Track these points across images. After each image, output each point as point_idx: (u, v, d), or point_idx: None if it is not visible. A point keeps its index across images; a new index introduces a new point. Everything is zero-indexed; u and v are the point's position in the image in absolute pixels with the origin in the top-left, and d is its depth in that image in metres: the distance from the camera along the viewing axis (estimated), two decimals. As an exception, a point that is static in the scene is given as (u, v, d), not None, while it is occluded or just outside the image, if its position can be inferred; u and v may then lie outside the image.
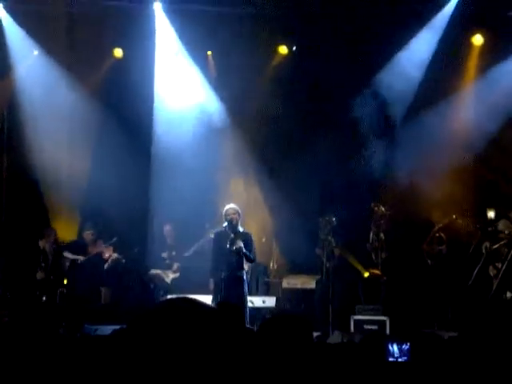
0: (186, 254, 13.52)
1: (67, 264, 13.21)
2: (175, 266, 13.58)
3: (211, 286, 11.79)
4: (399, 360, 4.56)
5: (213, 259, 11.49)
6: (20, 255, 13.34)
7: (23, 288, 12.96)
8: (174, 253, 13.65)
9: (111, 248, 13.33)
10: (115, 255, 13.34)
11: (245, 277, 11.28)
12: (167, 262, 13.63)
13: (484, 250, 12.10)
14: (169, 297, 11.19)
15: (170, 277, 13.54)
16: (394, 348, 4.55)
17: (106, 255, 13.30)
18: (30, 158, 13.69)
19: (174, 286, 13.32)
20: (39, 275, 12.97)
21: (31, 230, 13.51)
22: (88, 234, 13.44)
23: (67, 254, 13.24)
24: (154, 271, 13.59)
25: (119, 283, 13.61)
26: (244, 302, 11.07)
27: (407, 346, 4.53)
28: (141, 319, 2.00)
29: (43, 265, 12.99)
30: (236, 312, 4.29)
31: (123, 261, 13.39)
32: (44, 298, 12.80)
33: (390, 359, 4.55)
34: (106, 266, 13.33)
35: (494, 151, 13.23)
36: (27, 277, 13.09)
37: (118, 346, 1.98)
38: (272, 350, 3.51)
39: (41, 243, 13.26)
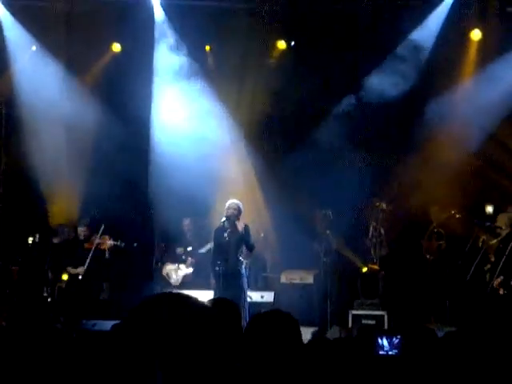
0: (201, 251, 13.42)
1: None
2: (189, 260, 13.51)
3: (212, 281, 11.85)
4: (389, 354, 4.56)
5: (212, 255, 11.59)
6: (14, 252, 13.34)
7: (26, 284, 12.99)
8: (189, 248, 13.57)
9: (106, 237, 13.14)
10: (110, 242, 13.10)
11: (243, 271, 11.30)
12: (183, 257, 13.57)
13: (482, 245, 12.10)
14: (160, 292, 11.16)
15: (182, 271, 13.46)
16: (384, 342, 4.54)
17: (103, 246, 13.12)
18: (28, 155, 13.66)
19: (185, 281, 13.29)
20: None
21: (28, 227, 13.50)
22: (81, 231, 13.29)
23: (70, 270, 13.10)
24: (168, 266, 13.53)
25: (123, 271, 13.54)
26: (242, 296, 11.08)
27: (397, 340, 4.52)
28: (131, 315, 1.99)
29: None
30: (231, 309, 4.26)
31: (122, 245, 13.12)
32: (45, 294, 12.80)
33: (381, 353, 4.55)
34: (106, 255, 13.12)
35: (492, 146, 13.22)
36: (30, 273, 13.11)
37: (113, 342, 1.98)
38: (259, 347, 3.50)
39: (55, 240, 13.35)
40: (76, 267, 12.93)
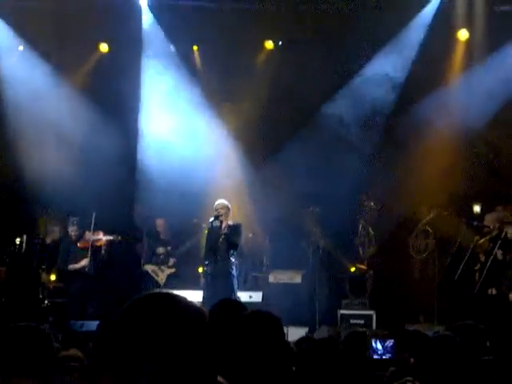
0: (181, 250, 13.45)
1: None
2: (171, 261, 13.47)
3: (202, 280, 11.86)
4: (383, 357, 4.57)
5: (203, 255, 11.64)
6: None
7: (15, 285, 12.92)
8: (169, 248, 13.56)
9: (100, 232, 12.90)
10: (106, 238, 12.89)
11: (233, 272, 11.30)
12: (161, 257, 13.54)
13: (470, 244, 12.13)
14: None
15: (165, 272, 13.45)
16: (378, 345, 4.55)
17: (99, 243, 12.99)
18: (16, 156, 13.58)
19: (169, 282, 13.27)
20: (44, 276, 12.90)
21: (15, 227, 13.45)
22: (72, 231, 13.13)
23: (70, 266, 12.97)
24: (148, 267, 13.50)
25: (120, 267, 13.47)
26: (232, 297, 11.08)
27: (391, 343, 4.53)
28: (122, 316, 1.98)
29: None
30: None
31: (119, 238, 12.95)
32: (41, 296, 12.68)
33: (375, 356, 4.56)
34: (102, 252, 12.89)
35: (481, 146, 13.26)
36: (19, 274, 13.05)
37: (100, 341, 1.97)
38: (242, 350, 3.47)
39: (47, 240, 13.27)
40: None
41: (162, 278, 13.42)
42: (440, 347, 4.22)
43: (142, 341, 1.89)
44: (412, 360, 4.21)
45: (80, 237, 12.89)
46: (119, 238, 12.96)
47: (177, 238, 13.67)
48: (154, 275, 13.41)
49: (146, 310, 1.93)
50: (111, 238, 12.91)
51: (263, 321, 3.52)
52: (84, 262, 12.72)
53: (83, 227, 12.91)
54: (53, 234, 13.43)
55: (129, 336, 1.91)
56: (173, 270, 13.44)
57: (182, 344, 1.90)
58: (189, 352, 1.90)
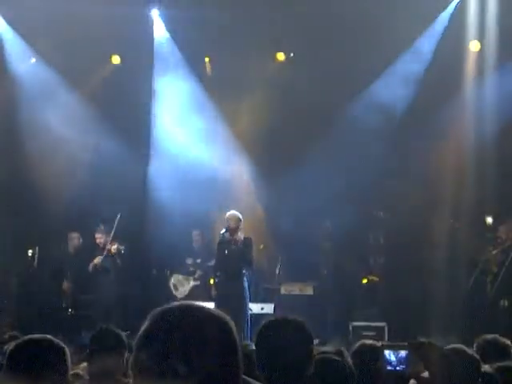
0: (210, 264, 13.39)
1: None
2: (197, 273, 13.48)
3: (213, 292, 11.86)
4: (397, 369, 4.55)
5: (214, 266, 11.62)
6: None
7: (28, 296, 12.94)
8: (198, 260, 13.52)
9: (106, 236, 12.86)
10: (116, 247, 12.79)
11: (245, 284, 11.28)
12: (191, 269, 13.55)
13: (482, 256, 12.09)
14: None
15: (190, 284, 13.45)
16: (391, 356, 4.53)
17: (112, 249, 12.78)
18: (27, 165, 13.62)
19: (192, 293, 13.26)
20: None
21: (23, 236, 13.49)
22: (99, 237, 13.05)
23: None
24: (176, 277, 13.49)
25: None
26: (243, 309, 11.06)
27: (405, 354, 4.51)
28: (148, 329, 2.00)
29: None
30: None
31: (122, 249, 12.84)
32: (64, 305, 12.68)
33: (388, 368, 4.54)
34: (118, 261, 12.83)
35: (492, 156, 13.19)
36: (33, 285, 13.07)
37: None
38: (272, 354, 3.48)
39: (71, 249, 13.28)
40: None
41: (186, 289, 13.41)
42: (453, 360, 4.20)
43: (173, 352, 1.92)
44: (426, 374, 4.20)
45: (104, 246, 12.84)
46: (122, 249, 12.90)
47: (209, 250, 13.56)
48: (172, 288, 13.41)
49: (174, 322, 1.96)
50: (121, 247, 12.84)
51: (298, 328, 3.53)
52: (97, 260, 12.77)
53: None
54: (72, 241, 13.39)
55: (159, 348, 1.93)
56: (198, 283, 13.44)
57: (212, 354, 1.94)
58: (219, 362, 1.94)
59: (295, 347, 3.49)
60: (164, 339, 1.93)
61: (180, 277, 13.49)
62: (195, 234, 13.78)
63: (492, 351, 5.26)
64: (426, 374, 4.20)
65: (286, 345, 3.50)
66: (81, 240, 13.40)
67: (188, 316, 1.97)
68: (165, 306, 2.02)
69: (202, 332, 1.94)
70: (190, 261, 13.57)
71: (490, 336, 5.65)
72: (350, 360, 4.33)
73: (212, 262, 12.94)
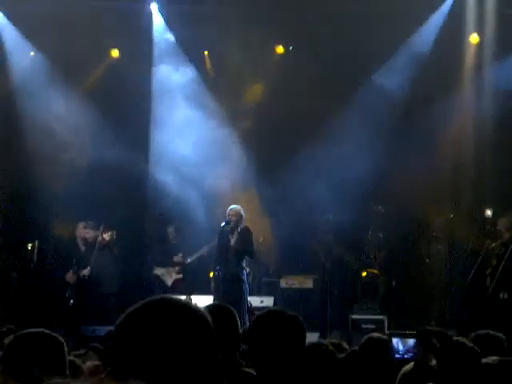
0: (189, 261, 13.38)
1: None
2: (179, 267, 13.48)
3: (212, 285, 11.85)
4: (405, 357, 4.55)
5: (214, 259, 11.62)
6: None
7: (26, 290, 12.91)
8: (180, 254, 13.48)
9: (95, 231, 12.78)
10: (109, 233, 12.76)
11: (244, 277, 11.28)
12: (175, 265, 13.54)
13: (482, 249, 12.09)
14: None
15: (172, 277, 13.42)
16: (399, 345, 4.53)
17: (105, 236, 12.76)
18: (26, 161, 13.58)
19: (176, 286, 13.24)
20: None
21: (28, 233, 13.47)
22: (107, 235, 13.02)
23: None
24: (158, 270, 13.48)
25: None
26: (242, 302, 11.06)
27: (413, 342, 4.51)
28: (122, 321, 1.98)
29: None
30: (227, 315, 4.19)
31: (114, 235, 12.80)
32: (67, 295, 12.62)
33: (396, 356, 4.54)
34: (114, 250, 12.88)
35: (492, 150, 13.20)
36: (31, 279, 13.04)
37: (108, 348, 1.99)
38: (263, 348, 3.47)
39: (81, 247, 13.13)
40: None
41: (168, 282, 13.40)
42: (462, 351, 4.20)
43: (144, 347, 1.90)
44: (435, 362, 4.20)
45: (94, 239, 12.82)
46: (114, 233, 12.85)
47: (187, 245, 13.57)
48: (163, 278, 13.41)
49: (146, 316, 1.95)
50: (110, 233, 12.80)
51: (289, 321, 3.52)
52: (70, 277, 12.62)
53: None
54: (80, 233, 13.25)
55: (130, 343, 1.92)
56: (180, 276, 13.41)
57: (186, 349, 1.92)
58: (193, 356, 1.92)
59: (287, 341, 3.48)
60: (136, 335, 1.92)
61: (162, 269, 13.45)
62: (170, 230, 13.71)
63: (486, 346, 5.25)
64: (434, 363, 4.20)
65: (277, 339, 3.49)
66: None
67: (163, 311, 1.95)
68: (140, 302, 2.00)
69: (176, 326, 1.92)
70: (176, 258, 13.47)
71: (482, 331, 5.62)
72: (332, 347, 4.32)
73: (191, 259, 13.01)
